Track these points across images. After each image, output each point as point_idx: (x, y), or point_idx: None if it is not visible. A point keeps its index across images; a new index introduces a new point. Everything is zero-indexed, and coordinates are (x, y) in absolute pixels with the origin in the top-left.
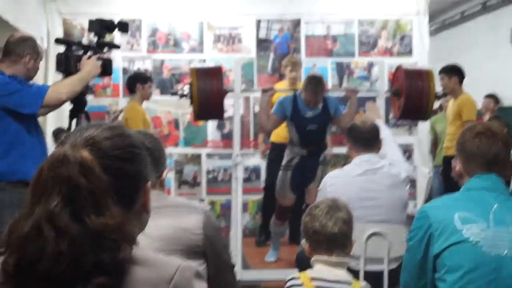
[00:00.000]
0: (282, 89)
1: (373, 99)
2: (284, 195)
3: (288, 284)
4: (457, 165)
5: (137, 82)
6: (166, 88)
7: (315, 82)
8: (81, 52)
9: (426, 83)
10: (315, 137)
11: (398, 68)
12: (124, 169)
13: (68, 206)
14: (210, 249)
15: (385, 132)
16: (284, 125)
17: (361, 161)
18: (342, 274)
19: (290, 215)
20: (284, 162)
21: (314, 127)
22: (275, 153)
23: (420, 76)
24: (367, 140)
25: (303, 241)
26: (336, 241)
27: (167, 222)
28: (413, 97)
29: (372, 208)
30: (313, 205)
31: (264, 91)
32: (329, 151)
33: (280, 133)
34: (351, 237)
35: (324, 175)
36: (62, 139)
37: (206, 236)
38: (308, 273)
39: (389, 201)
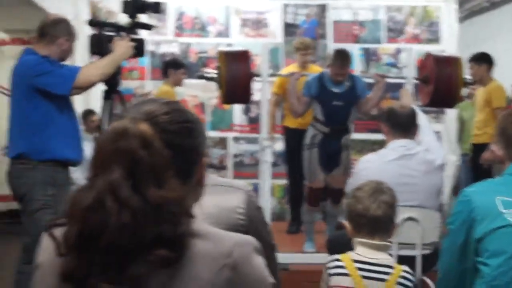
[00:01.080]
0: (307, 73)
1: (400, 86)
2: (314, 178)
3: (330, 265)
4: (497, 151)
5: (170, 68)
6: (193, 71)
7: (342, 55)
8: (113, 34)
9: (455, 70)
10: (340, 115)
11: (428, 55)
12: (182, 143)
13: (129, 179)
14: (252, 229)
15: (421, 118)
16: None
17: (397, 146)
18: (384, 257)
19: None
20: (307, 141)
21: (340, 103)
22: (291, 141)
23: (449, 63)
24: (405, 125)
25: (345, 222)
26: (379, 224)
27: (211, 200)
28: (442, 84)
29: (406, 193)
30: (357, 187)
31: (291, 75)
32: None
33: (295, 119)
34: (394, 220)
35: (349, 161)
36: (120, 113)
37: (248, 215)
38: (350, 255)
39: (424, 187)
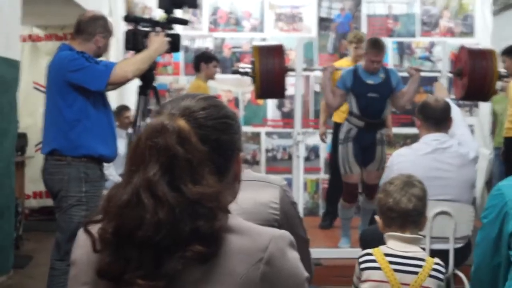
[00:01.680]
0: (340, 68)
1: (434, 79)
2: (350, 172)
3: (362, 259)
4: None
5: (201, 61)
6: (227, 66)
7: (376, 43)
8: (149, 29)
9: (490, 63)
10: (375, 107)
11: (462, 48)
12: (219, 139)
13: (166, 175)
14: (286, 224)
15: (455, 111)
16: (346, 106)
17: (431, 139)
18: (415, 250)
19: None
20: (342, 135)
21: (375, 95)
22: (338, 133)
23: (483, 56)
24: (439, 119)
25: (377, 217)
26: (409, 217)
27: (246, 196)
28: (476, 77)
29: (440, 187)
30: (388, 181)
31: (325, 69)
32: (387, 131)
33: (343, 112)
34: (425, 213)
35: (384, 156)
36: (157, 109)
37: (283, 210)
38: (382, 249)
39: (457, 180)
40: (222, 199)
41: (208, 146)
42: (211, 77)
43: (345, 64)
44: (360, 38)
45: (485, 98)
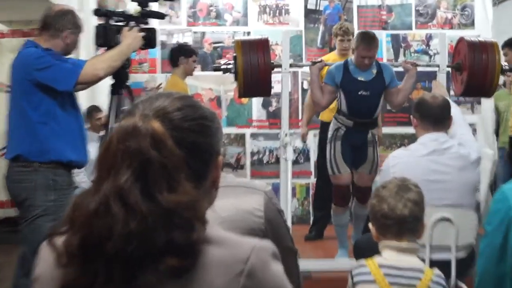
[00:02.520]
0: (330, 63)
1: (432, 74)
2: (338, 172)
3: (354, 271)
4: None
5: (180, 55)
6: (207, 63)
7: (368, 36)
8: (121, 24)
9: (491, 56)
10: (366, 106)
11: (460, 40)
12: (196, 142)
13: (138, 182)
14: (271, 233)
15: (454, 110)
16: (335, 103)
17: (429, 140)
18: (413, 260)
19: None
20: (329, 134)
21: (366, 93)
22: (325, 134)
23: (484, 49)
24: (437, 117)
25: (370, 225)
26: (406, 224)
27: (228, 203)
28: (477, 71)
29: (439, 191)
30: (381, 185)
31: (313, 63)
32: (378, 132)
33: (331, 111)
34: (422, 219)
35: (376, 157)
36: (129, 109)
37: (267, 218)
38: (376, 259)
39: (458, 184)
40: (199, 208)
41: (184, 150)
42: (189, 73)
43: (331, 58)
44: (346, 30)
45: (487, 94)
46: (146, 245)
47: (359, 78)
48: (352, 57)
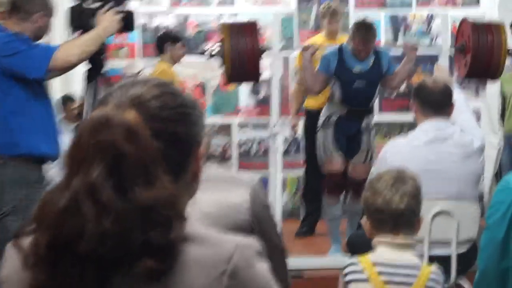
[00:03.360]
0: (326, 46)
1: (434, 57)
2: (329, 159)
3: (347, 270)
4: None
5: (166, 42)
6: (191, 47)
7: (365, 28)
8: (97, 5)
9: (497, 37)
10: (361, 96)
11: (464, 21)
12: (175, 132)
13: (111, 177)
14: (258, 229)
15: (457, 95)
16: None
17: (428, 127)
18: (409, 257)
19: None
20: (320, 121)
21: (362, 84)
22: (312, 125)
23: (489, 29)
24: (438, 103)
25: (363, 220)
26: (402, 219)
27: (211, 197)
28: (481, 53)
29: (439, 182)
30: (375, 177)
31: (305, 48)
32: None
33: (318, 97)
34: (419, 213)
35: (371, 146)
36: (103, 98)
37: (254, 214)
38: (370, 256)
39: (460, 174)
40: (178, 204)
41: (162, 141)
42: (177, 60)
43: (319, 40)
44: (334, 11)
45: (493, 76)
46: (121, 246)
47: (355, 69)
48: (346, 41)
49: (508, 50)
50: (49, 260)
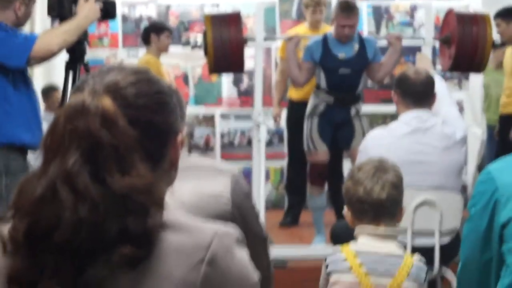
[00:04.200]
0: (309, 36)
1: (417, 48)
2: (314, 149)
3: (328, 260)
4: None
5: (151, 33)
6: (174, 37)
7: (347, 5)
8: None
9: (482, 28)
10: (346, 83)
11: (449, 12)
12: (152, 120)
13: (88, 165)
14: (239, 219)
15: (439, 85)
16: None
17: (410, 118)
18: (391, 247)
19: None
20: (307, 110)
21: (347, 71)
22: (295, 115)
23: (475, 21)
24: (420, 93)
25: (345, 210)
26: (383, 208)
27: (191, 186)
28: (466, 45)
29: (421, 173)
30: (356, 166)
31: (289, 39)
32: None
33: (301, 89)
34: (401, 203)
35: (365, 129)
36: (78, 85)
37: (235, 203)
38: (352, 246)
39: (442, 165)
40: (155, 192)
41: (139, 129)
42: (163, 50)
43: (302, 31)
44: (318, 0)
45: (477, 69)
46: (97, 234)
47: (340, 55)
48: (331, 30)
49: (493, 42)
50: (27, 248)
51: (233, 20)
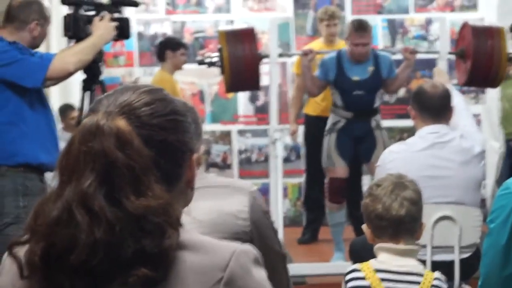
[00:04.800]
0: (324, 51)
1: (432, 62)
2: (332, 165)
3: (348, 277)
4: None
5: (167, 49)
6: (189, 55)
7: (360, 23)
8: (92, 13)
9: (497, 42)
10: (362, 103)
11: (464, 25)
12: (167, 140)
13: (103, 186)
14: (257, 236)
15: (457, 99)
16: (325, 93)
17: (427, 133)
18: (411, 264)
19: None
20: (327, 127)
21: (361, 92)
22: (312, 131)
23: (490, 35)
24: (437, 108)
25: (364, 227)
26: (403, 225)
27: (209, 205)
28: (481, 59)
29: (440, 188)
30: (374, 183)
31: (304, 54)
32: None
33: (318, 103)
34: (420, 219)
35: (387, 141)
36: (93, 105)
37: (252, 221)
38: (371, 263)
39: (461, 179)
40: (172, 212)
41: (154, 149)
42: (178, 67)
43: (317, 46)
44: (332, 13)
45: (493, 84)
46: (113, 256)
47: (354, 78)
48: (345, 47)
49: (509, 56)
50: (43, 271)
51: (248, 35)
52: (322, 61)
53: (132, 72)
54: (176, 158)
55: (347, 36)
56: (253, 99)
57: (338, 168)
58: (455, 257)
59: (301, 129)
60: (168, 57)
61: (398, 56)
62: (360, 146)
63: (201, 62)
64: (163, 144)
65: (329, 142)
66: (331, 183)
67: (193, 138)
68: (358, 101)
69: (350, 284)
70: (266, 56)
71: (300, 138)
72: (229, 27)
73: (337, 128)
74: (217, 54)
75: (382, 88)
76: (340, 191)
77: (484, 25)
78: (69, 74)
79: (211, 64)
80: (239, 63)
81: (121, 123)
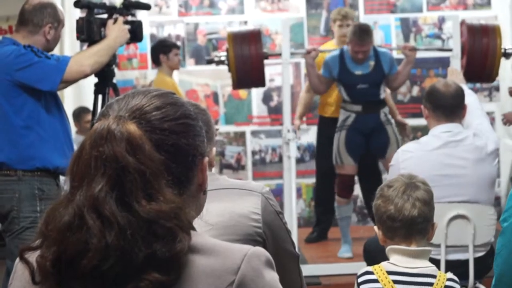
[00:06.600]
0: (327, 49)
1: (446, 60)
2: (341, 163)
3: (361, 279)
4: None
5: (159, 53)
6: (202, 56)
7: (360, 30)
8: (105, 16)
9: (493, 40)
10: (367, 95)
11: (462, 23)
12: (178, 144)
13: (114, 191)
14: (270, 237)
15: (470, 98)
16: (336, 94)
17: (441, 131)
18: (424, 265)
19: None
20: (338, 124)
21: (365, 86)
22: (325, 132)
23: (485, 32)
24: (450, 107)
25: (376, 228)
26: (415, 226)
27: (221, 207)
28: (476, 56)
29: (453, 187)
30: (385, 184)
31: (307, 52)
32: (399, 119)
33: (330, 105)
34: (432, 219)
35: (398, 136)
36: (103, 110)
37: (265, 222)
38: (384, 265)
39: (475, 178)
40: (183, 216)
41: (165, 154)
42: (174, 67)
43: (330, 47)
44: (345, 14)
45: (487, 79)
46: (125, 260)
47: (357, 72)
48: (346, 44)
49: (505, 51)
50: (55, 275)
51: (253, 36)
52: (325, 60)
53: (145, 74)
54: (187, 162)
55: (348, 40)
56: (266, 100)
57: (347, 166)
58: (470, 256)
59: (314, 130)
60: (162, 61)
61: (400, 56)
62: (372, 141)
63: (209, 61)
64: (174, 148)
65: (339, 139)
66: (340, 179)
67: (204, 142)
68: (363, 94)
69: (363, 286)
70: (274, 54)
71: (311, 138)
72: (237, 29)
73: (347, 125)
74: (225, 53)
75: (385, 84)
76: (347, 187)
77: (480, 23)
78: (85, 75)
79: (218, 63)
80: (245, 61)
81: (132, 127)
